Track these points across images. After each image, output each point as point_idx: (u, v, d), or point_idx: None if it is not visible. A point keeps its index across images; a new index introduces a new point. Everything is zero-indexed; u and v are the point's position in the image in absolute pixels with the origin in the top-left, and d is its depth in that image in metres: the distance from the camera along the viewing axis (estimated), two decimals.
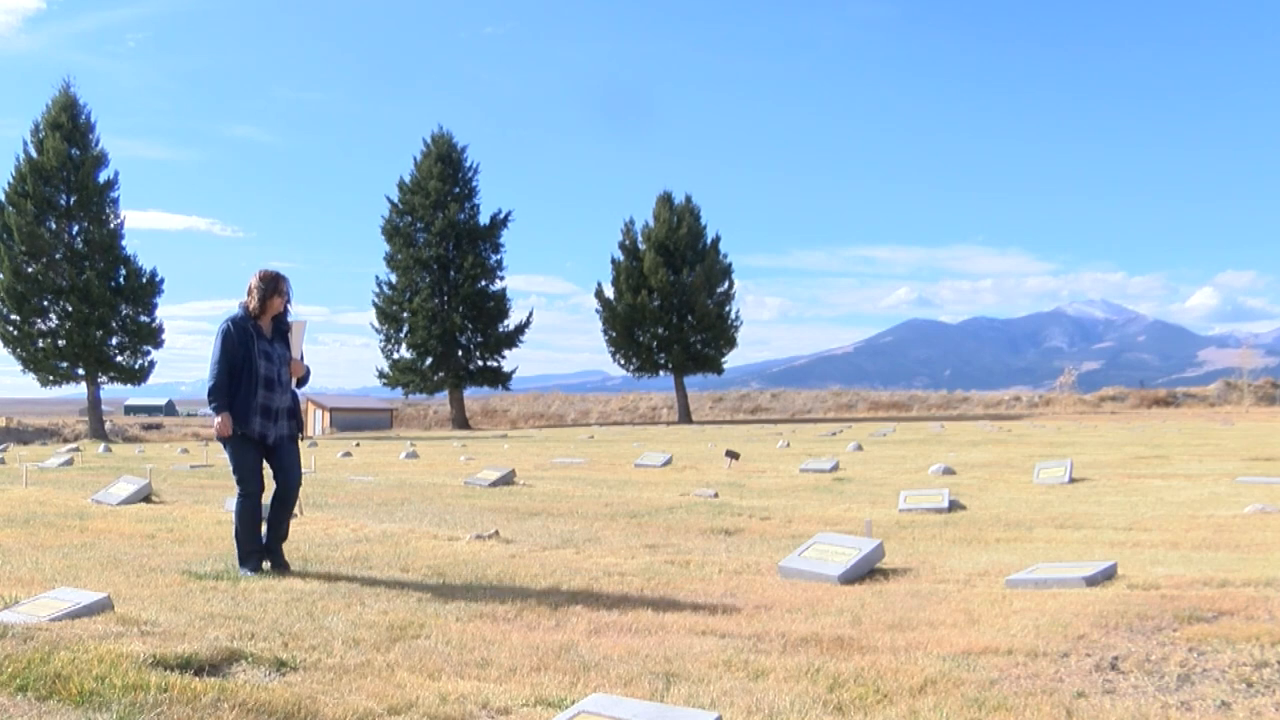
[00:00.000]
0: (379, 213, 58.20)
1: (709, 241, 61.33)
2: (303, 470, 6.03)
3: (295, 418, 5.89)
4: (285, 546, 5.98)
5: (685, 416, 61.44)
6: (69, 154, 46.29)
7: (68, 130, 46.42)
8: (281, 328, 5.85)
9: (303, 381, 5.92)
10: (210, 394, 5.62)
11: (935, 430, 33.30)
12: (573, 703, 2.95)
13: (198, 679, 3.30)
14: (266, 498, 5.85)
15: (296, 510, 8.61)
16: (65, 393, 52.36)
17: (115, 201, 48.35)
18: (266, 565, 5.76)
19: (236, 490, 5.75)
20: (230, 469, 5.76)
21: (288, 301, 5.85)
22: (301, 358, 5.89)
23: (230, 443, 5.66)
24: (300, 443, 5.99)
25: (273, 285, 5.78)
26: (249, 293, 5.79)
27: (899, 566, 5.70)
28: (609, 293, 61.40)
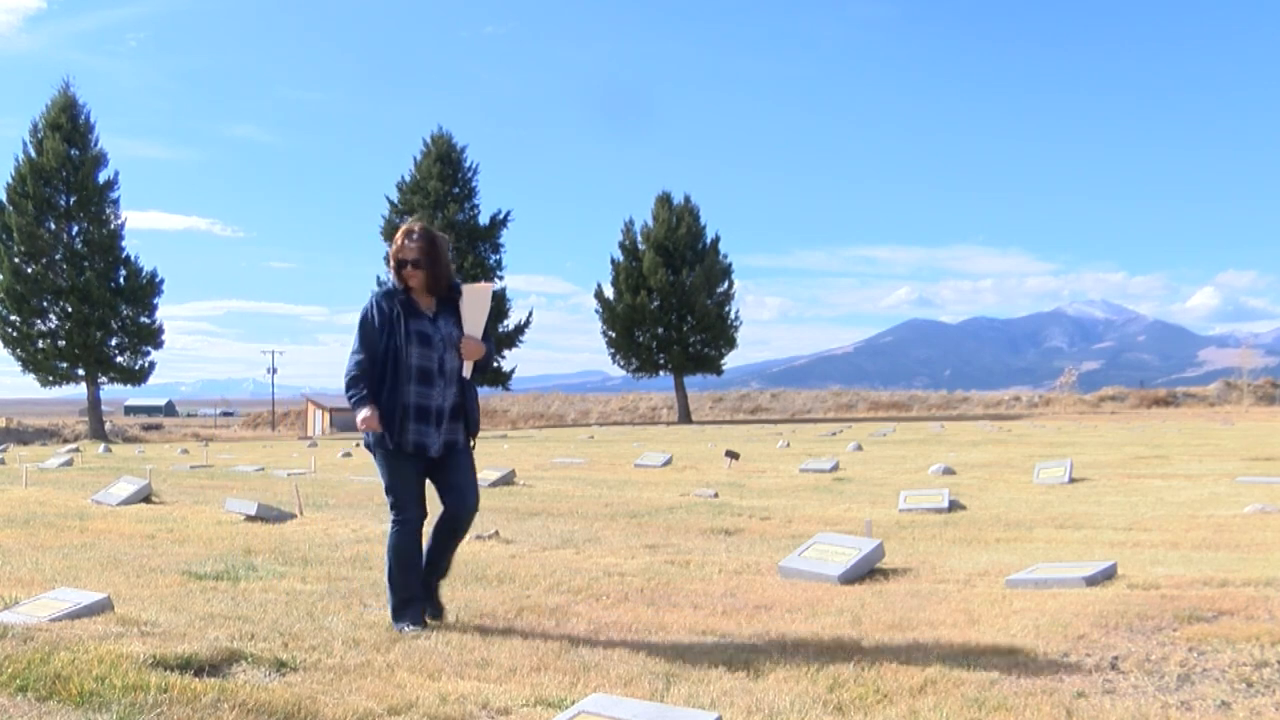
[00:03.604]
0: (379, 212, 58.30)
1: (708, 242, 61.34)
2: (477, 488, 4.54)
3: (467, 419, 4.42)
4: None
5: (685, 417, 61.44)
6: (69, 154, 46.32)
7: (67, 131, 46.44)
8: (452, 296, 4.36)
9: (482, 367, 4.41)
10: (348, 385, 4.29)
11: (935, 430, 33.29)
12: (573, 703, 2.95)
13: (198, 679, 3.30)
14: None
15: (296, 511, 8.62)
16: (65, 393, 52.44)
17: (115, 202, 48.40)
18: (429, 617, 4.39)
19: (390, 516, 4.36)
20: (383, 486, 4.40)
21: (429, 261, 4.26)
22: (486, 336, 4.37)
23: (380, 454, 4.32)
24: (472, 450, 4.53)
25: (395, 248, 4.29)
26: None
27: (899, 566, 5.70)
28: (609, 293, 61.42)
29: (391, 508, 4.34)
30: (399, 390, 4.22)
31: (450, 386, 4.32)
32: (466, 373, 4.34)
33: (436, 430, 4.29)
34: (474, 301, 4.31)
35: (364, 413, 4.20)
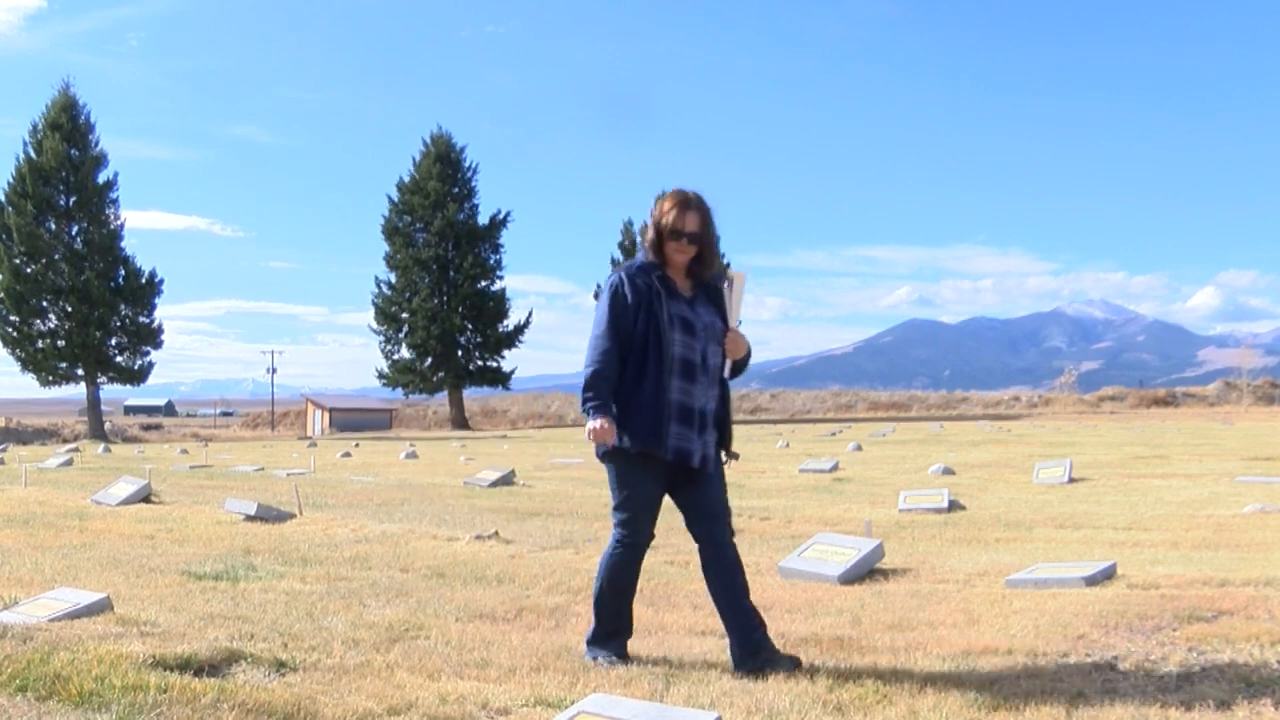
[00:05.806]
0: (379, 213, 58.42)
1: None
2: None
3: (725, 428, 3.81)
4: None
5: None
6: (68, 155, 46.36)
7: (67, 131, 46.47)
8: (711, 281, 3.70)
9: (740, 367, 3.76)
10: (586, 384, 3.55)
11: (935, 430, 33.31)
12: (572, 703, 2.94)
13: (197, 679, 3.30)
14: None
15: (295, 511, 8.61)
16: (64, 393, 52.51)
17: (115, 202, 48.46)
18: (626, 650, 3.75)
19: (613, 532, 3.78)
20: (611, 499, 3.80)
21: (707, 237, 3.58)
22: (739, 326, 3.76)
23: (619, 461, 3.66)
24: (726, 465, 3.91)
25: (669, 217, 3.54)
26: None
27: (899, 566, 5.69)
28: None
29: (619, 525, 3.72)
30: (662, 383, 3.52)
31: (712, 387, 3.68)
32: (727, 372, 3.74)
33: (699, 436, 3.64)
34: (738, 291, 3.71)
35: (596, 423, 3.50)
